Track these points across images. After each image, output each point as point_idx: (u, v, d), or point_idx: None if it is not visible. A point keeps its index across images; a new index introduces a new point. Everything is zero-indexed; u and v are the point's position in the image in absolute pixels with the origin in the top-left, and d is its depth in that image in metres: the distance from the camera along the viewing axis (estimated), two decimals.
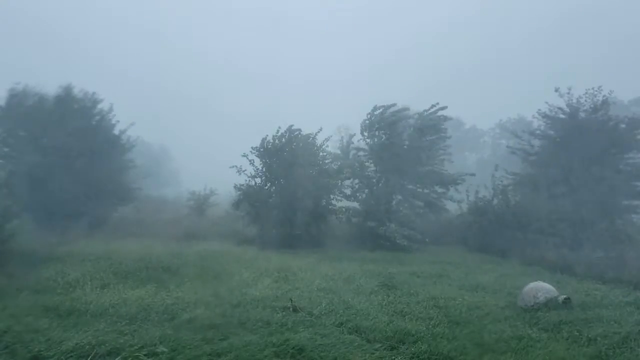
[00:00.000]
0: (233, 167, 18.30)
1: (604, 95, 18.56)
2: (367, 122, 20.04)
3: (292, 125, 18.79)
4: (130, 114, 22.34)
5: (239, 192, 18.35)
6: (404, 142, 19.37)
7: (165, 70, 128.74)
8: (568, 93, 18.94)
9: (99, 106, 20.51)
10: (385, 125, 19.31)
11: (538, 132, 20.03)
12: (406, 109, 20.06)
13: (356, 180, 19.93)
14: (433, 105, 19.92)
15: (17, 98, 19.17)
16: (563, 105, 19.11)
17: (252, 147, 18.45)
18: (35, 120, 18.67)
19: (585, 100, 18.79)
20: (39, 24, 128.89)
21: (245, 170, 18.30)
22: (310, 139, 18.69)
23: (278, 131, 18.54)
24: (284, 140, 18.37)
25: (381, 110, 19.84)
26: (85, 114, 20.05)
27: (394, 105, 19.94)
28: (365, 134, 20.13)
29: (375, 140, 19.77)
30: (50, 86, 19.91)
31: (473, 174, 20.22)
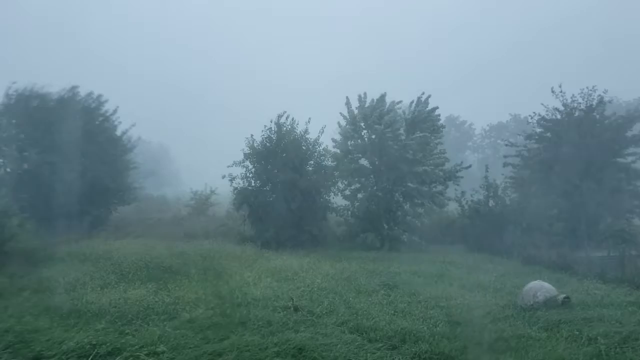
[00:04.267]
0: (225, 177, 18.12)
1: (599, 95, 18.53)
2: (348, 126, 19.16)
3: (280, 117, 18.12)
4: (131, 111, 22.32)
5: (238, 196, 18.24)
6: (395, 140, 18.34)
7: (165, 66, 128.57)
8: (560, 91, 18.78)
9: (104, 108, 20.57)
10: (373, 122, 18.33)
11: (534, 134, 19.85)
12: (385, 95, 18.89)
13: (355, 179, 19.69)
14: (419, 98, 19.17)
15: (19, 98, 19.15)
16: (559, 105, 19.04)
17: (243, 153, 18.12)
18: (38, 121, 18.64)
19: (582, 99, 18.75)
20: (38, 20, 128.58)
21: (234, 178, 18.10)
22: (299, 130, 18.10)
23: (265, 131, 18.09)
24: (274, 138, 17.95)
25: (358, 107, 18.96)
26: (88, 115, 20.06)
27: (365, 97, 18.92)
28: (341, 137, 19.38)
29: (367, 140, 18.97)
30: (51, 84, 19.92)
31: (469, 166, 20.11)
